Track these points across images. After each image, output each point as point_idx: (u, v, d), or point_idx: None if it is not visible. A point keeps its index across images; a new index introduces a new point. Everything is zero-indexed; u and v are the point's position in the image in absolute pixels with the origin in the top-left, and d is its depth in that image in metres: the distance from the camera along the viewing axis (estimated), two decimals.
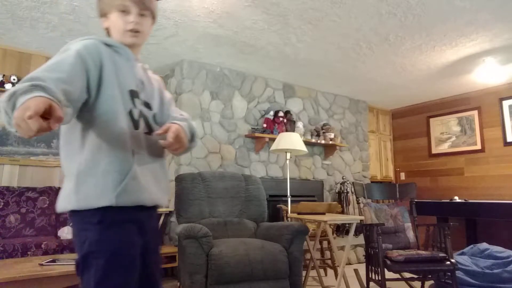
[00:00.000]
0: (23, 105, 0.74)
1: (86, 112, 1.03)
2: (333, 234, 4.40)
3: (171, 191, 3.39)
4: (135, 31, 1.13)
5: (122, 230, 1.03)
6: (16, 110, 0.75)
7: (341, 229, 4.76)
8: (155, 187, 1.13)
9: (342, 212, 4.73)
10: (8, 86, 3.64)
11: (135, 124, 1.10)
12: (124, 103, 1.08)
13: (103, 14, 1.16)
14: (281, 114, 4.56)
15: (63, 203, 1.05)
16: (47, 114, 0.75)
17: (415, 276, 2.96)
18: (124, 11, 1.11)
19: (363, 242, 3.62)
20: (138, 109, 1.12)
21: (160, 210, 3.92)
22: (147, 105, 1.17)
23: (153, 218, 1.20)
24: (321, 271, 3.81)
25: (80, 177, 1.02)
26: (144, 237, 1.10)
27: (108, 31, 1.18)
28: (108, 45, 1.11)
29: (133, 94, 1.12)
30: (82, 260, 1.01)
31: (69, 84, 0.92)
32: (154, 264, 1.17)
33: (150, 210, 1.14)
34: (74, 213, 1.03)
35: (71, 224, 1.10)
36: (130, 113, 1.09)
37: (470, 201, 4.46)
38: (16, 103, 0.77)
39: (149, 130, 1.15)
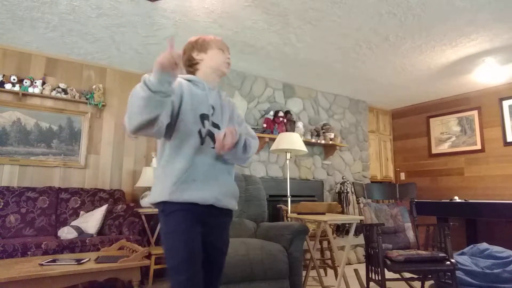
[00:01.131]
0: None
1: (169, 133, 1.37)
2: (333, 234, 4.40)
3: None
4: (229, 64, 1.55)
5: (177, 217, 1.34)
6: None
7: (341, 229, 4.76)
8: (216, 190, 1.40)
9: (342, 212, 4.73)
10: (8, 86, 3.64)
11: (202, 141, 1.40)
12: (194, 124, 1.39)
13: (204, 50, 1.52)
14: (281, 114, 4.56)
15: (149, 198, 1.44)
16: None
17: (415, 276, 2.96)
18: (222, 50, 1.53)
19: (363, 242, 3.62)
20: (206, 129, 1.42)
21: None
22: (216, 125, 1.46)
23: (219, 219, 1.46)
24: (321, 271, 3.81)
25: (156, 180, 1.41)
26: (205, 229, 1.38)
27: (196, 62, 1.53)
28: (188, 80, 1.47)
29: (204, 117, 1.43)
30: (161, 239, 1.37)
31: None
32: (215, 266, 1.46)
33: (209, 208, 1.39)
34: (154, 204, 1.41)
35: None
36: (199, 132, 1.40)
37: (470, 201, 4.45)
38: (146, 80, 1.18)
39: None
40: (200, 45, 1.53)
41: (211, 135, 1.42)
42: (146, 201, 3.92)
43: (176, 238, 1.32)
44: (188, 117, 1.38)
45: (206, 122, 1.43)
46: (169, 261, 1.32)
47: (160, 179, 1.39)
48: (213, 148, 1.41)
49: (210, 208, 1.39)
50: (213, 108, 1.47)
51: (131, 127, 1.21)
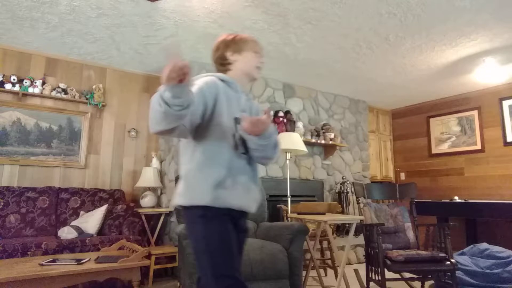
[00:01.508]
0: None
1: (199, 133, 1.33)
2: (333, 234, 4.40)
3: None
4: (260, 68, 1.52)
5: (219, 222, 1.31)
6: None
7: (341, 229, 4.76)
8: (245, 196, 1.39)
9: (342, 212, 4.73)
10: (8, 86, 3.64)
11: (235, 145, 1.37)
12: (229, 127, 1.35)
13: (239, 51, 1.48)
14: (281, 114, 4.56)
15: (175, 200, 1.37)
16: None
17: (415, 276, 2.96)
18: (256, 53, 1.50)
19: (363, 242, 3.61)
20: (238, 133, 1.37)
21: (159, 210, 3.93)
22: None
23: (244, 222, 1.47)
24: (321, 271, 3.81)
25: (186, 182, 1.35)
26: (237, 232, 1.38)
27: (229, 63, 1.48)
28: (222, 80, 1.43)
29: (237, 121, 1.38)
30: (198, 244, 1.32)
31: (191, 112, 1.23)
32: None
33: (240, 213, 1.39)
34: (183, 208, 1.36)
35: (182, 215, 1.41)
36: (233, 136, 1.36)
37: (470, 201, 4.45)
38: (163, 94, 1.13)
39: (246, 151, 1.40)
40: (236, 45, 1.49)
41: (242, 141, 1.39)
42: (146, 201, 3.92)
43: (220, 243, 1.30)
44: (223, 119, 1.35)
45: (238, 126, 1.38)
46: (211, 267, 1.29)
47: (194, 182, 1.33)
48: (244, 153, 1.39)
49: (240, 212, 1.40)
50: (244, 112, 1.44)
51: (152, 131, 1.21)
